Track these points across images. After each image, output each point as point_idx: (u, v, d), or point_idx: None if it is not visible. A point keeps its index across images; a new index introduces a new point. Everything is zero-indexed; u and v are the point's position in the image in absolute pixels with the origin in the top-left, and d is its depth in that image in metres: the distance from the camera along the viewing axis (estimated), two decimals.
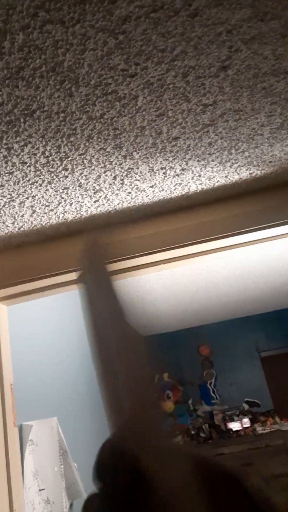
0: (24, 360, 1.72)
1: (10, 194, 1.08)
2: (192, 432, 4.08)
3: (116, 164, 1.04)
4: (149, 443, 0.24)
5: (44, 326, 2.01)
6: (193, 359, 4.53)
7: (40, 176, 1.04)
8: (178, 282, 3.07)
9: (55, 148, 0.95)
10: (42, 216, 1.21)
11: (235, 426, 4.04)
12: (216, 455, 3.73)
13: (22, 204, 1.13)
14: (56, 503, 1.65)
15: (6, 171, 0.99)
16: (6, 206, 1.13)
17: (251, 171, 1.20)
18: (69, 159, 0.99)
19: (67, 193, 1.13)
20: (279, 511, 0.25)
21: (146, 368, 0.25)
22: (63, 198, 1.14)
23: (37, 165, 1.00)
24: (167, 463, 0.22)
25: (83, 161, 1.01)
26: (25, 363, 1.71)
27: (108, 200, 1.19)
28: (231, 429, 4.01)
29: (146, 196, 1.21)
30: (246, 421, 4.07)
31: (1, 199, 1.09)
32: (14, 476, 1.22)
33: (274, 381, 4.52)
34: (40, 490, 1.58)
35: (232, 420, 4.13)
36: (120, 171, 1.07)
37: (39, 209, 1.17)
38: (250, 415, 4.19)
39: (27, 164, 0.99)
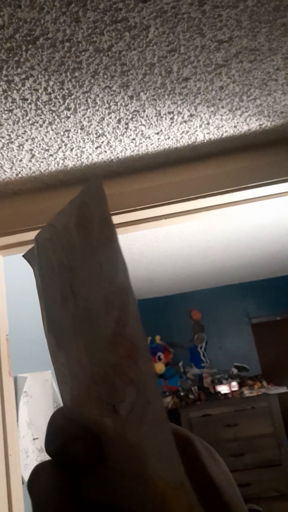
0: (18, 312, 1.70)
1: (9, 135, 1.03)
2: (181, 394, 4.17)
3: (121, 105, 0.98)
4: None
5: None
6: (185, 323, 4.59)
7: (41, 115, 0.98)
8: (174, 245, 3.05)
9: (58, 84, 0.89)
10: (41, 162, 1.16)
11: (223, 389, 4.13)
12: (203, 415, 3.83)
13: (21, 147, 1.08)
14: None
15: (5, 108, 0.94)
16: (5, 148, 1.07)
17: (261, 122, 1.15)
18: (72, 97, 0.94)
19: (68, 136, 1.07)
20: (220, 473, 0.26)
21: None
22: (63, 142, 1.09)
23: (38, 103, 0.94)
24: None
25: (86, 100, 0.95)
26: (19, 316, 1.70)
27: (110, 146, 1.14)
28: (219, 392, 4.11)
29: (151, 144, 1.16)
30: (234, 385, 4.17)
31: (0, 140, 1.04)
32: (9, 423, 1.23)
33: (263, 347, 4.61)
34: (34, 439, 1.61)
35: (220, 383, 4.22)
36: (125, 113, 1.01)
37: (38, 153, 1.12)
38: (239, 379, 4.28)
39: (28, 101, 0.93)
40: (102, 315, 0.23)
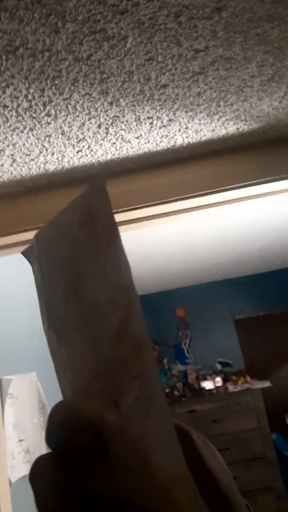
0: (2, 315, 1.71)
1: None
2: (167, 390, 4.21)
3: (101, 111, 1.00)
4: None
5: (24, 280, 1.99)
6: (169, 321, 4.63)
7: (21, 122, 0.99)
8: (157, 244, 3.08)
9: (38, 91, 0.91)
10: (23, 166, 1.17)
11: (208, 385, 4.18)
12: (189, 411, 3.88)
13: (2, 153, 1.09)
14: (36, 453, 1.69)
15: None
16: None
17: (238, 126, 1.18)
18: (53, 104, 0.95)
19: (49, 142, 1.09)
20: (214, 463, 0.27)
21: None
22: (44, 146, 1.10)
23: (19, 110, 0.95)
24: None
25: (67, 107, 0.97)
26: (3, 318, 1.70)
27: (91, 150, 1.16)
28: (204, 388, 4.16)
29: (131, 148, 1.18)
30: (218, 380, 4.22)
31: None
32: None
33: (246, 342, 4.68)
34: (20, 440, 1.62)
35: (205, 379, 4.27)
36: (106, 119, 1.03)
37: (20, 158, 1.13)
38: (223, 374, 4.34)
39: (9, 108, 0.94)
40: (107, 313, 0.24)
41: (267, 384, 4.02)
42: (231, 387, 4.07)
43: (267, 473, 3.59)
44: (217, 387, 4.14)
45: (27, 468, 1.61)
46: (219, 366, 4.45)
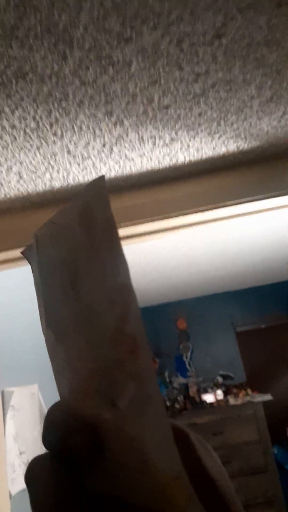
0: (5, 326, 1.73)
1: None
2: (168, 403, 4.20)
3: (106, 131, 1.04)
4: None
5: (26, 291, 2.01)
6: (170, 332, 4.63)
7: (29, 141, 1.03)
8: (159, 256, 3.10)
9: (45, 112, 0.94)
10: (29, 183, 1.20)
11: (209, 398, 4.17)
12: (190, 425, 3.87)
13: (10, 170, 1.12)
14: None
15: None
16: None
17: (238, 144, 1.22)
18: (59, 124, 0.99)
19: (55, 160, 1.12)
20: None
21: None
22: (50, 164, 1.14)
23: (27, 130, 0.98)
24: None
25: (73, 127, 1.01)
26: (5, 330, 1.72)
27: (96, 168, 1.19)
28: (205, 401, 4.15)
29: (134, 166, 1.22)
30: (219, 393, 4.21)
31: None
32: None
33: (248, 355, 4.68)
34: (20, 453, 1.63)
35: (206, 392, 4.26)
36: (110, 138, 1.07)
37: (26, 175, 1.16)
38: (224, 387, 4.33)
39: (17, 128, 0.97)
40: (104, 312, 0.24)
41: (268, 397, 4.01)
42: (232, 400, 4.05)
43: (268, 487, 3.56)
44: (218, 400, 4.13)
45: None
46: (220, 379, 4.44)
